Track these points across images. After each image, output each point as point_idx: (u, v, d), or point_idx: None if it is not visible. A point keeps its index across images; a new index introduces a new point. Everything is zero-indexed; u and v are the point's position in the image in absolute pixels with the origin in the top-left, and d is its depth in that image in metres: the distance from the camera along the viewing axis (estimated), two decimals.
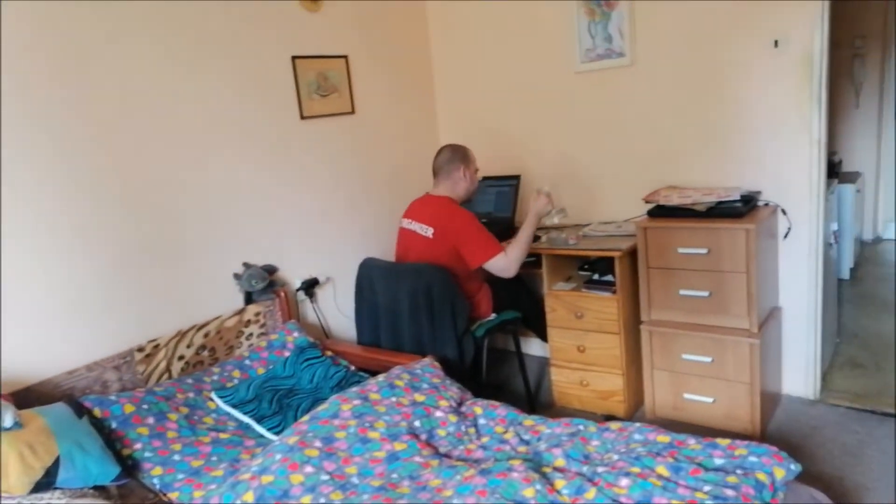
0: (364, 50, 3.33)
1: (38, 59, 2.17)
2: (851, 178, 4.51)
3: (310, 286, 3.06)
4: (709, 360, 2.71)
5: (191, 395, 2.36)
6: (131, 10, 2.40)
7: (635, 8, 3.01)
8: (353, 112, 3.29)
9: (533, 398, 3.15)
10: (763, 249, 2.65)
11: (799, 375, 2.95)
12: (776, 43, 2.69)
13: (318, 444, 1.83)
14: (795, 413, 2.84)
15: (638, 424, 1.93)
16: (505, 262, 2.71)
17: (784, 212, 2.81)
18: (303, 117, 3.04)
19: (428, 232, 2.78)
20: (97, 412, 2.11)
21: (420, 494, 1.66)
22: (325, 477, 1.73)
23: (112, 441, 2.08)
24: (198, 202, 2.66)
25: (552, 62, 3.33)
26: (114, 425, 2.10)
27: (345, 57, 3.23)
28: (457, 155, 2.88)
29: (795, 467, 1.66)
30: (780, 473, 1.62)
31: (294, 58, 2.99)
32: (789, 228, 2.82)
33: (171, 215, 2.57)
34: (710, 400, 2.74)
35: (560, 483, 1.65)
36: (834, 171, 3.69)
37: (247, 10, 2.79)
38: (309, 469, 1.74)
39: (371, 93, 3.39)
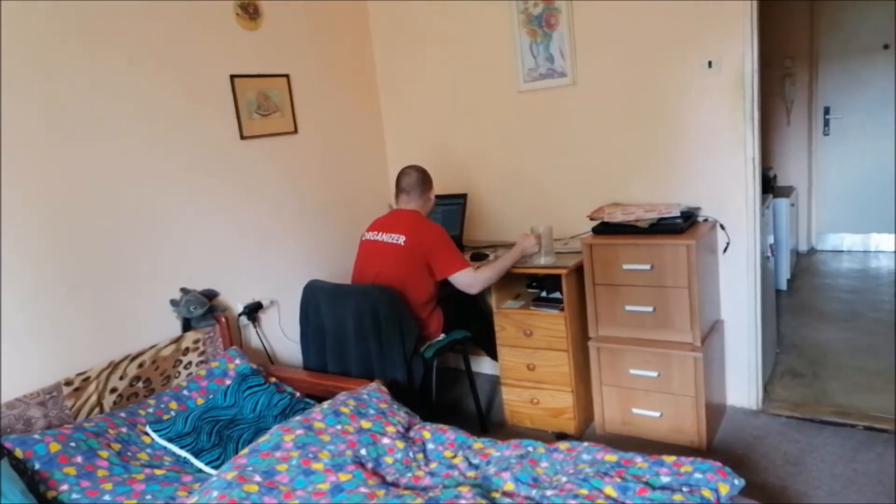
0: (306, 68, 3.28)
1: None
2: (786, 192, 4.69)
3: (253, 311, 2.97)
4: (655, 374, 2.74)
5: (124, 429, 2.23)
6: (58, 26, 2.30)
7: (575, 29, 3.06)
8: (295, 132, 3.23)
9: (484, 418, 3.12)
10: (704, 264, 2.70)
11: (742, 386, 3.01)
12: (710, 64, 2.77)
13: (258, 478, 1.75)
14: (739, 424, 2.89)
15: (586, 444, 1.92)
16: (471, 279, 2.74)
17: (723, 227, 2.88)
18: (243, 137, 2.97)
19: (399, 240, 2.75)
20: (18, 453, 1.98)
21: None
22: None
23: (35, 483, 1.95)
24: (131, 224, 2.55)
25: (496, 81, 3.35)
26: (37, 466, 1.97)
27: (286, 76, 3.18)
28: (426, 177, 2.92)
29: (739, 482, 1.67)
30: (724, 489, 1.63)
31: (233, 76, 2.91)
32: (728, 243, 2.89)
33: (102, 238, 2.45)
34: (658, 414, 2.77)
35: None
36: (769, 186, 3.83)
37: (182, 28, 2.71)
38: None
39: (315, 112, 3.33)
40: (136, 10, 2.54)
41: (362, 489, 1.74)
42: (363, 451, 1.93)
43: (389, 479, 1.87)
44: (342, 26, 3.52)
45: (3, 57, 2.17)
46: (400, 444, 2.00)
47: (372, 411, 2.13)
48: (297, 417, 2.06)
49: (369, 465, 1.90)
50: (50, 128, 2.30)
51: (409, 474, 1.89)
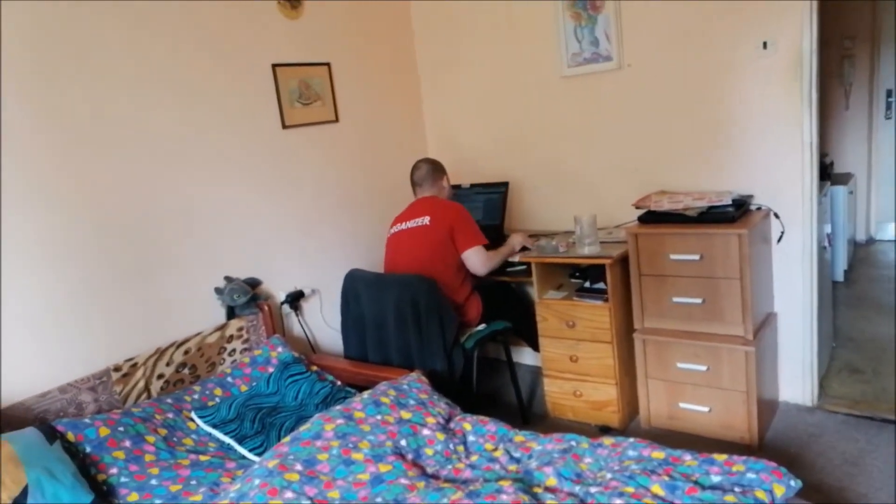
0: (347, 56, 3.27)
1: (6, 73, 2.09)
2: (843, 179, 4.48)
3: (295, 299, 2.99)
4: (704, 368, 2.65)
5: (170, 415, 2.27)
6: (103, 23, 2.33)
7: (622, 11, 2.96)
8: (336, 120, 3.22)
9: (526, 410, 3.08)
10: (756, 254, 2.59)
11: (796, 382, 2.89)
12: (765, 44, 2.64)
13: (298, 467, 1.76)
14: (793, 421, 2.78)
15: (632, 439, 1.87)
16: (484, 258, 2.82)
17: (777, 215, 2.76)
18: (284, 126, 2.97)
19: (424, 220, 2.82)
20: (70, 436, 2.03)
21: None
22: (305, 502, 1.65)
23: (87, 466, 2.00)
24: (177, 215, 2.58)
25: (539, 67, 3.28)
26: (88, 449, 2.02)
27: (327, 64, 3.17)
28: (436, 166, 2.99)
29: (795, 484, 1.60)
30: (779, 491, 1.56)
31: (274, 66, 2.92)
32: (782, 232, 2.76)
33: (149, 229, 2.49)
34: (706, 409, 2.68)
35: None
36: (826, 173, 3.65)
37: (224, 18, 2.72)
38: (289, 495, 1.66)
39: (355, 100, 3.32)
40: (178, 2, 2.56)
41: (402, 480, 1.73)
42: (403, 442, 1.92)
43: (429, 470, 1.85)
44: (383, 14, 3.48)
45: (54, 55, 2.21)
46: (440, 436, 1.98)
47: (412, 402, 2.11)
48: (338, 407, 2.05)
49: (409, 457, 1.88)
50: (96, 118, 2.33)
51: (450, 466, 1.87)
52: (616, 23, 2.99)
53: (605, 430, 2.88)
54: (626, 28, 2.98)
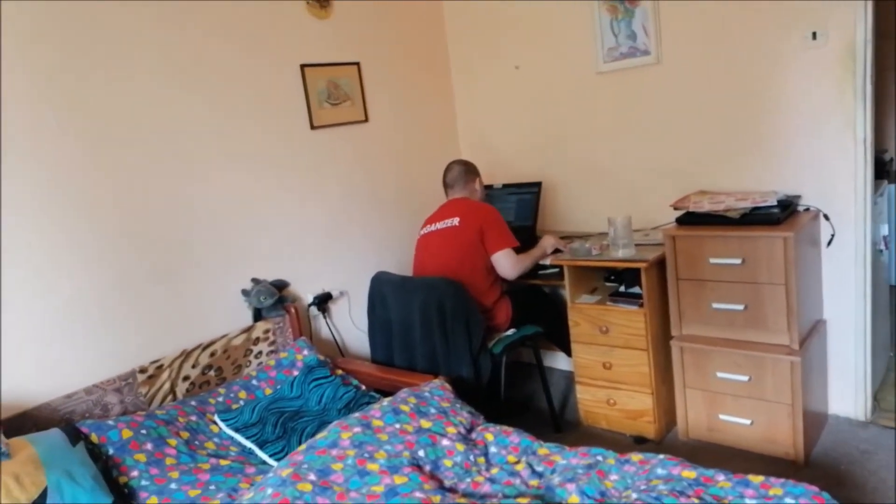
0: (378, 56, 3.23)
1: (33, 72, 2.12)
2: None
3: (323, 301, 2.96)
4: (745, 378, 2.50)
5: (193, 418, 2.27)
6: (130, 22, 2.34)
7: (660, 3, 2.83)
8: (366, 120, 3.19)
9: (558, 417, 2.98)
10: (804, 258, 2.44)
11: (847, 394, 2.71)
12: (814, 35, 2.48)
13: (312, 476, 1.72)
14: (844, 436, 2.61)
15: (661, 457, 1.76)
16: (514, 261, 2.75)
17: (827, 217, 2.59)
18: (313, 127, 2.95)
19: (454, 221, 2.77)
20: (94, 438, 2.04)
21: None
22: None
23: (109, 468, 2.00)
24: (203, 216, 2.58)
25: (574, 63, 3.17)
26: (111, 451, 2.03)
27: (357, 64, 3.13)
28: (469, 167, 2.94)
29: None
30: None
31: (303, 66, 2.90)
32: (833, 235, 2.59)
33: (175, 230, 2.50)
34: (748, 422, 2.54)
35: None
36: (883, 171, 3.42)
37: (253, 19, 2.71)
38: None
39: (386, 100, 3.28)
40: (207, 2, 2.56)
41: (417, 494, 1.67)
42: (421, 453, 1.86)
43: (447, 483, 1.79)
44: (414, 12, 3.43)
45: (83, 54, 2.23)
46: (460, 447, 1.91)
47: (433, 410, 2.05)
48: (356, 414, 2.01)
49: (427, 468, 1.82)
50: (124, 118, 2.35)
51: (469, 479, 1.80)
52: (654, 15, 2.86)
53: (641, 441, 2.76)
54: (664, 20, 2.85)
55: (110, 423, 2.10)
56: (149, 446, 2.07)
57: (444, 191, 2.97)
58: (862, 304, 2.63)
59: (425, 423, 1.98)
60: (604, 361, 2.80)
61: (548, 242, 2.89)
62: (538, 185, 3.23)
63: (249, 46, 2.71)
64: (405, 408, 2.03)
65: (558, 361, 3.50)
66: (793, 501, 1.47)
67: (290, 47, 2.86)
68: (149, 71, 2.40)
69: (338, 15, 3.03)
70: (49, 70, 2.15)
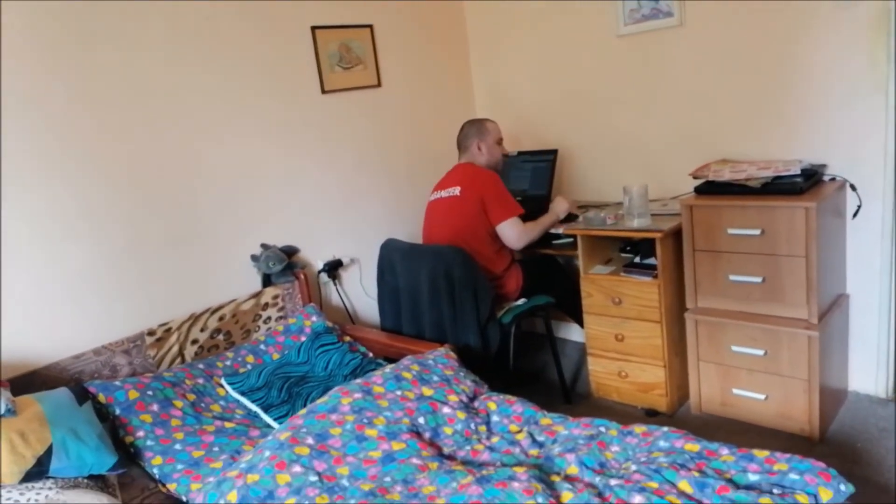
0: (391, 18, 3.15)
1: (40, 41, 2.10)
2: None
3: (333, 268, 2.95)
4: (761, 352, 2.44)
5: (200, 381, 2.29)
6: None
7: None
8: (378, 85, 3.13)
9: (569, 389, 2.95)
10: (826, 230, 2.34)
11: (868, 370, 2.63)
12: None
13: (310, 440, 1.71)
14: (863, 413, 2.53)
15: (665, 429, 1.72)
16: (520, 230, 2.67)
17: (853, 187, 2.48)
18: (324, 91, 2.91)
19: (455, 191, 2.72)
20: (101, 398, 2.07)
21: (411, 502, 1.51)
22: (313, 478, 1.61)
23: (116, 428, 2.04)
24: (213, 181, 2.57)
25: (593, 26, 3.06)
26: (117, 412, 2.06)
27: (370, 26, 3.06)
28: (472, 129, 2.83)
29: (846, 488, 1.42)
30: (826, 495, 1.39)
31: (314, 28, 2.84)
32: (859, 206, 2.48)
33: (185, 195, 2.49)
34: (762, 396, 2.48)
35: (567, 496, 1.47)
36: None
37: None
38: (297, 469, 1.62)
39: (399, 64, 3.21)
40: None
41: (414, 460, 1.66)
42: (421, 420, 1.85)
43: (446, 450, 1.77)
44: None
45: (89, 21, 2.20)
46: (461, 415, 1.89)
47: (436, 378, 2.03)
48: (358, 380, 2.00)
49: (426, 435, 1.81)
50: (131, 85, 2.33)
51: (468, 447, 1.79)
52: None
53: (652, 414, 2.72)
54: None
55: (117, 383, 2.13)
56: (155, 407, 2.09)
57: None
58: (888, 278, 2.52)
59: (427, 391, 1.96)
60: (616, 333, 2.74)
61: (560, 207, 2.82)
62: (554, 152, 3.15)
63: (258, 8, 2.66)
64: (407, 375, 2.01)
65: (572, 333, 3.46)
66: (797, 477, 1.42)
67: (301, 9, 2.80)
68: (157, 36, 2.38)
69: None
70: (51, 36, 2.13)
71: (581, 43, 3.13)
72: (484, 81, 3.59)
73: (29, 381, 2.05)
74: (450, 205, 2.70)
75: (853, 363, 2.66)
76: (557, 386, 2.95)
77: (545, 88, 3.33)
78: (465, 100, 3.58)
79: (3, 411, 1.76)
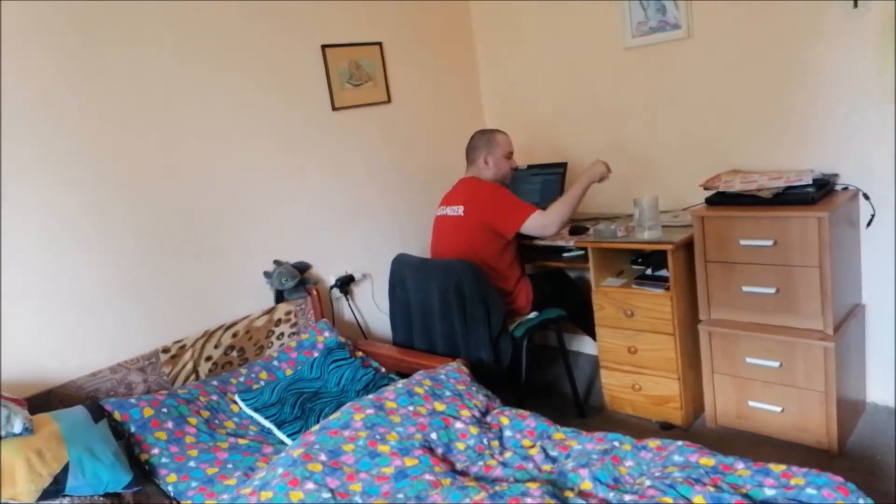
0: (400, 35, 3.18)
1: (49, 53, 2.13)
2: None
3: (345, 283, 2.96)
4: (776, 364, 2.41)
5: (214, 397, 2.30)
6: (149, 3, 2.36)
7: None
8: (388, 101, 3.16)
9: (582, 402, 2.93)
10: (840, 240, 2.32)
11: (887, 381, 2.59)
12: (855, 3, 2.34)
13: (323, 457, 1.72)
14: (881, 425, 2.50)
15: (680, 443, 1.71)
16: (543, 220, 2.62)
17: (866, 196, 2.46)
18: (335, 108, 2.93)
19: (458, 210, 2.71)
20: (117, 415, 2.09)
21: None
22: (326, 495, 1.61)
23: (131, 446, 2.05)
24: (226, 199, 2.60)
25: (601, 39, 3.07)
26: (133, 429, 2.07)
27: (379, 44, 3.10)
28: (482, 141, 2.81)
29: (866, 502, 1.40)
30: None
31: (324, 46, 2.88)
32: (872, 215, 2.46)
33: (198, 212, 2.52)
34: (779, 409, 2.45)
35: None
36: None
37: None
38: (310, 486, 1.63)
39: (409, 80, 3.24)
40: None
41: (427, 476, 1.65)
42: (433, 436, 1.84)
43: (459, 466, 1.77)
44: None
45: (101, 33, 2.25)
46: (474, 430, 1.89)
47: (448, 393, 2.03)
48: (370, 396, 2.01)
49: (439, 451, 1.81)
50: (143, 101, 2.37)
51: (481, 463, 1.78)
52: None
53: (667, 428, 2.70)
54: None
55: (132, 401, 2.14)
56: (169, 424, 2.11)
57: None
58: None
59: (439, 406, 1.96)
60: (629, 346, 2.73)
61: (597, 170, 2.70)
62: (564, 165, 3.16)
63: (270, 25, 2.70)
64: (419, 390, 2.01)
65: (584, 346, 3.44)
66: (814, 492, 1.40)
67: (311, 27, 2.84)
68: (168, 52, 2.41)
69: None
70: (61, 48, 2.16)
71: (589, 56, 3.14)
72: (493, 95, 3.61)
73: (46, 400, 2.07)
74: (454, 224, 2.70)
75: (871, 374, 2.63)
76: (571, 399, 2.93)
77: (554, 101, 3.35)
78: (474, 114, 3.60)
79: (20, 430, 1.77)
